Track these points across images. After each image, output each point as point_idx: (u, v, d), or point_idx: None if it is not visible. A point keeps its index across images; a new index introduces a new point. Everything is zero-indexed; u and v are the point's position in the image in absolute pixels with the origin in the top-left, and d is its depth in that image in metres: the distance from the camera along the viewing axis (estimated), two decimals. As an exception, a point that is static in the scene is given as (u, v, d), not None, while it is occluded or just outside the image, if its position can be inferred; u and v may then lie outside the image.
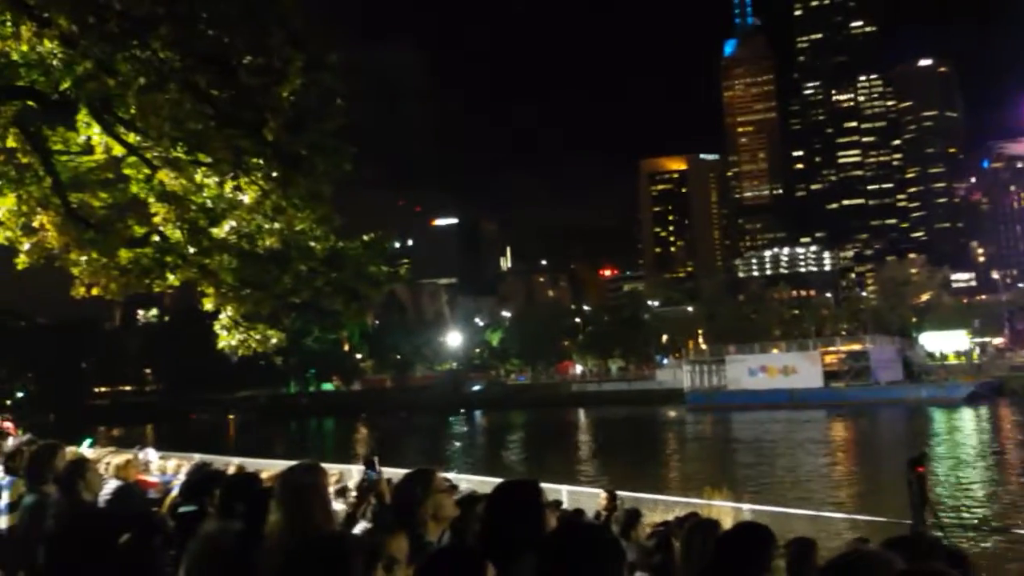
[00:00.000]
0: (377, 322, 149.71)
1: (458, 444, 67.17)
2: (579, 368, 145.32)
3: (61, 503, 6.12)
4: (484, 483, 14.64)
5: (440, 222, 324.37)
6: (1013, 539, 20.54)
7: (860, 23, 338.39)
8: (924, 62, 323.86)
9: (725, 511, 15.60)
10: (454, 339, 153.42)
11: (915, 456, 17.05)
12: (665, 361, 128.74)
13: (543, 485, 4.05)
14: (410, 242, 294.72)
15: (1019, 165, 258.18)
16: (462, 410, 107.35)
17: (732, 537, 4.16)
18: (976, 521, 24.91)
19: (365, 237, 11.34)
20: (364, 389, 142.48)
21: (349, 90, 9.71)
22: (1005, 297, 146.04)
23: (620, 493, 12.22)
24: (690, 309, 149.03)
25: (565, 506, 13.64)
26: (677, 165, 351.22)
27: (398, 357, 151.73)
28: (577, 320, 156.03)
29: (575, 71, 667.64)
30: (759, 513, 15.38)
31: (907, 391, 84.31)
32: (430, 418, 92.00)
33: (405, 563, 3.66)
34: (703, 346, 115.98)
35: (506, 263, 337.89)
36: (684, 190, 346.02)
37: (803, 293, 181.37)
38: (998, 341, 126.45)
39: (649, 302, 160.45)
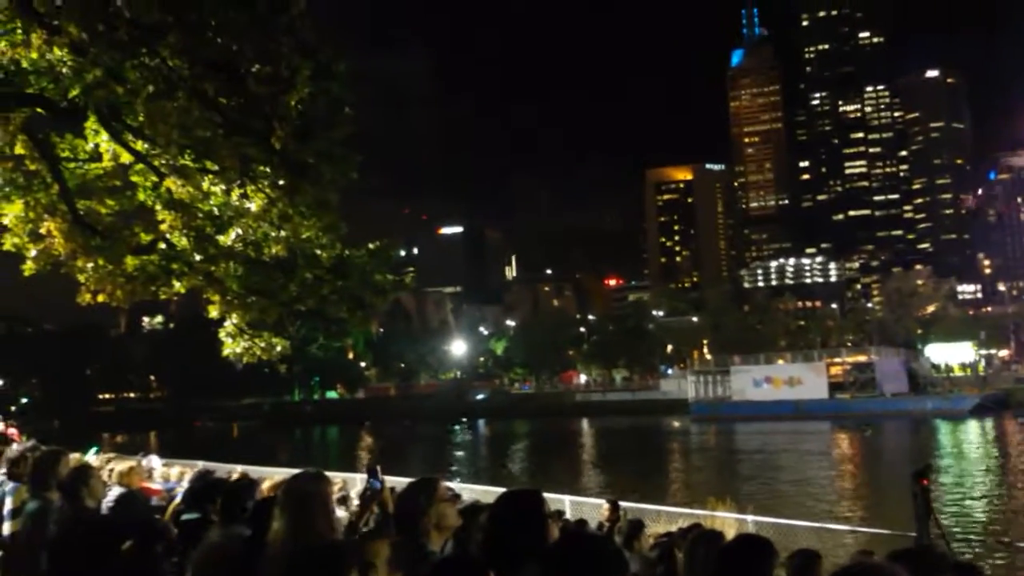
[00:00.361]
0: (382, 330, 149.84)
1: (461, 453, 67.11)
2: (583, 378, 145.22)
3: (64, 509, 6.12)
4: (487, 493, 14.64)
5: (445, 230, 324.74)
6: (1018, 552, 20.46)
7: (867, 34, 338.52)
8: (931, 73, 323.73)
9: (728, 522, 15.56)
10: (458, 348, 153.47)
11: (919, 468, 17.01)
12: (669, 371, 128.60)
13: (546, 495, 4.05)
14: (415, 250, 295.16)
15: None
16: (465, 419, 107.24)
17: (734, 549, 4.17)
18: (981, 534, 24.82)
19: (371, 245, 11.37)
20: (368, 397, 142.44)
21: (356, 98, 9.75)
22: (1011, 309, 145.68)
23: (623, 504, 12.20)
24: (695, 319, 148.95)
25: (568, 516, 13.63)
26: (683, 175, 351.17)
27: (402, 365, 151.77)
28: (582, 329, 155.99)
29: (581, 79, 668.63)
30: (762, 525, 15.33)
31: (912, 403, 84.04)
32: (434, 427, 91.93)
33: (386, 569, 3.66)
34: (708, 356, 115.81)
35: (511, 272, 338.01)
36: (690, 200, 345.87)
37: (808, 304, 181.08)
38: (1004, 353, 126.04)
39: (654, 312, 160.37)
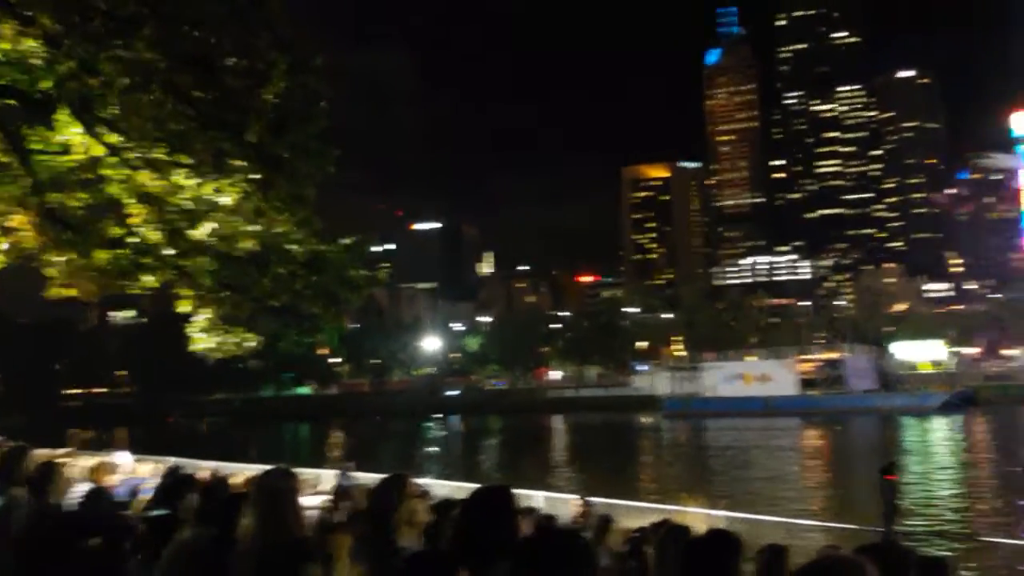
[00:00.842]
0: (356, 326, 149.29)
1: (434, 449, 67.02)
2: (557, 374, 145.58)
3: (31, 505, 6.07)
4: (459, 489, 14.68)
5: (422, 226, 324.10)
6: (982, 546, 20.80)
7: (843, 34, 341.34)
8: (906, 73, 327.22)
9: (699, 518, 15.69)
10: (432, 344, 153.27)
11: (886, 465, 17.26)
12: (643, 368, 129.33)
13: (518, 491, 4.10)
14: (391, 246, 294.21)
15: (995, 177, 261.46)
16: (439, 415, 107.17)
17: (702, 544, 4.22)
18: (948, 529, 25.20)
19: (346, 241, 11.32)
20: (341, 393, 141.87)
21: (335, 93, 9.70)
22: (980, 307, 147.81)
23: (594, 499, 12.28)
24: (669, 316, 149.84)
25: (539, 512, 13.69)
26: (659, 172, 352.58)
27: (376, 362, 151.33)
28: (556, 326, 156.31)
29: (558, 78, 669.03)
30: (732, 520, 15.49)
31: (881, 400, 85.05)
32: (407, 423, 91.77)
33: (348, 562, 3.68)
34: (681, 353, 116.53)
35: (487, 268, 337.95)
36: (665, 197, 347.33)
37: (781, 301, 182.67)
38: (973, 351, 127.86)
39: (628, 309, 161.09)
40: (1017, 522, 26.72)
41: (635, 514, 15.47)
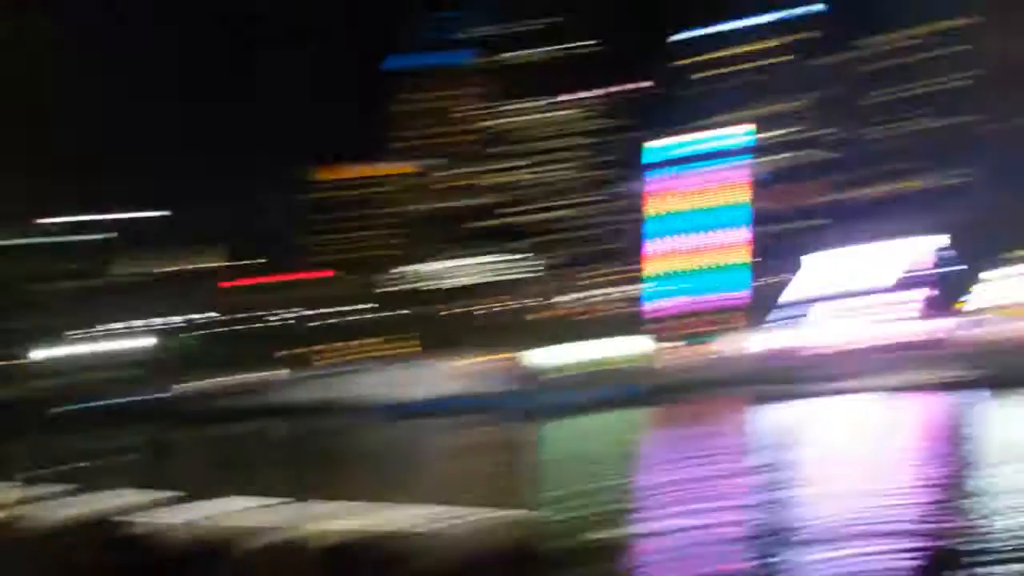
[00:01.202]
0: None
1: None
2: (266, 375, 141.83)
3: None
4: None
5: (106, 216, 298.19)
6: (615, 536, 23.51)
7: (576, 42, 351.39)
8: (634, 84, 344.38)
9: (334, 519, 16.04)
10: (115, 347, 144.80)
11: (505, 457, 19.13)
12: (349, 369, 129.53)
13: (193, 503, 4.77)
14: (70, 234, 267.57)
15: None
16: (137, 422, 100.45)
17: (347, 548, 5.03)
18: (591, 515, 28.03)
19: (27, 240, 10.41)
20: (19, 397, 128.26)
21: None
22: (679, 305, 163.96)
23: (274, 503, 12.99)
24: (379, 316, 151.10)
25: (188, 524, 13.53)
26: (370, 172, 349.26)
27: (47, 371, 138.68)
28: (258, 326, 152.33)
29: (264, 70, 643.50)
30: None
31: (571, 395, 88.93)
32: (102, 431, 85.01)
33: None
34: (388, 354, 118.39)
35: (176, 266, 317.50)
36: (377, 196, 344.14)
37: (489, 302, 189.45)
38: (667, 344, 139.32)
39: (334, 308, 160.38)
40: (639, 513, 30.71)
41: (326, 518, 15.61)
